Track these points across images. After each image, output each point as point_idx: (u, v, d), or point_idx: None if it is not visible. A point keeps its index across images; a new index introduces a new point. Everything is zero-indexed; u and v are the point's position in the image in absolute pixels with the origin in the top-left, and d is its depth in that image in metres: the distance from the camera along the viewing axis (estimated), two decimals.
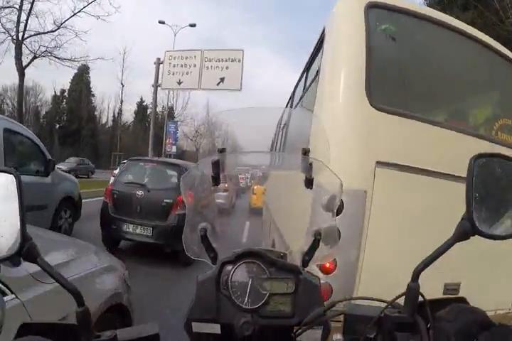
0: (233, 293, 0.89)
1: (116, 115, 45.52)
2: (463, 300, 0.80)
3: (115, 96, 43.45)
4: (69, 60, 22.03)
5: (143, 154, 23.55)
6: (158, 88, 16.96)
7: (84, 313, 0.73)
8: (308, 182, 1.01)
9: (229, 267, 0.91)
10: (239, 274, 0.91)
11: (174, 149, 26.27)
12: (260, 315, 0.88)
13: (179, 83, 15.87)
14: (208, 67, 15.38)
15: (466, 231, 0.71)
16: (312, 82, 2.80)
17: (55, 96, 41.49)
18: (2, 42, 20.25)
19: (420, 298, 0.75)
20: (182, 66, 15.82)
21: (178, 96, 41.61)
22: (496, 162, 0.75)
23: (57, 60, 21.72)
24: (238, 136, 1.29)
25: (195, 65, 15.58)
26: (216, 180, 1.02)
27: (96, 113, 44.22)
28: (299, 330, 0.85)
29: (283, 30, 77.08)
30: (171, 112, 40.02)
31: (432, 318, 0.73)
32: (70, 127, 40.73)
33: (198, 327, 0.87)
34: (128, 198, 6.39)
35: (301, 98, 3.50)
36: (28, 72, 21.13)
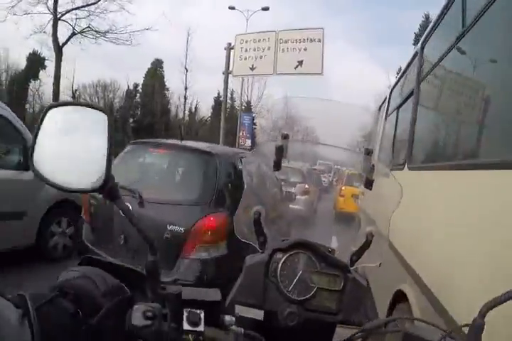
0: (281, 282, 0.91)
1: (193, 110, 45.57)
2: None
3: (191, 91, 43.93)
4: (108, 32, 21.43)
5: None
6: (230, 76, 15.77)
7: (155, 263, 0.72)
8: (368, 183, 1.01)
9: (280, 255, 0.93)
10: (289, 263, 0.92)
11: (249, 143, 24.67)
12: (305, 308, 0.90)
13: (252, 69, 14.54)
14: (283, 50, 13.84)
15: None
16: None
17: (127, 91, 41.94)
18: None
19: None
20: (255, 50, 14.45)
21: (253, 85, 40.32)
22: None
23: (97, 34, 21.32)
24: (314, 126, 1.64)
25: (269, 48, 14.11)
26: (278, 165, 1.03)
27: (170, 106, 44.19)
28: (356, 335, 0.81)
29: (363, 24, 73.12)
30: (247, 104, 39.32)
31: None
32: (144, 121, 41.22)
33: (241, 310, 0.87)
34: (107, 218, 3.44)
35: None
36: (97, 67, 21.31)
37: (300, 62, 13.40)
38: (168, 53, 65.64)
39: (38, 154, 0.66)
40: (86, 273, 0.69)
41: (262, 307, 0.90)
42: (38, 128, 0.67)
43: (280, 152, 1.03)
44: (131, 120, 42.58)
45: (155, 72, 41.54)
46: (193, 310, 0.71)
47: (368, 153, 1.03)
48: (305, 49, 13.48)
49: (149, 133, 40.23)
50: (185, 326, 0.69)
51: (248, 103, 39.77)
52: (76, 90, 40.14)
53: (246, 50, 14.70)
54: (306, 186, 1.38)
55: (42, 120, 0.68)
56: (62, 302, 0.62)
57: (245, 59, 14.74)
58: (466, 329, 0.67)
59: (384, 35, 66.46)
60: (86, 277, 0.68)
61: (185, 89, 39.79)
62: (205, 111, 45.23)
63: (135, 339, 0.65)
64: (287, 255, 0.93)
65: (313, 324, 0.90)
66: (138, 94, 43.03)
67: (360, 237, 1.02)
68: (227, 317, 0.78)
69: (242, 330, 0.79)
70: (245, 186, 1.08)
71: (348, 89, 61.64)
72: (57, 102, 0.74)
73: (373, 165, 1.01)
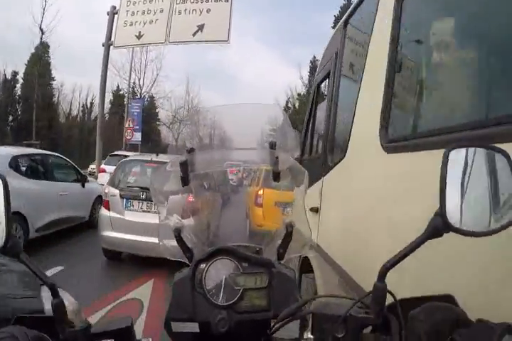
0: (208, 291, 0.92)
1: (87, 106, 41.71)
2: (450, 297, 0.76)
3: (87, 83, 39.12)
4: None
5: (115, 147, 19.22)
6: (112, 49, 12.41)
7: (59, 305, 0.75)
8: (276, 176, 1.05)
9: (203, 265, 0.94)
10: (212, 272, 0.93)
11: (138, 136, 20.49)
12: (236, 311, 0.91)
13: (138, 37, 11.41)
14: (180, 12, 10.94)
15: (438, 227, 0.67)
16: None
17: (4, 81, 36.04)
18: None
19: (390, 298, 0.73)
20: (144, 13, 11.37)
21: (146, 67, 36.48)
22: (471, 153, 0.69)
23: None
24: (226, 132, 1.36)
25: (161, 10, 11.13)
26: (185, 181, 1.04)
27: (55, 100, 39.28)
28: (274, 327, 0.85)
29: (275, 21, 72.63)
30: (134, 88, 35.05)
31: (406, 318, 0.71)
32: (25, 118, 35.57)
33: (177, 326, 0.91)
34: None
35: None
36: None
37: (200, 27, 10.51)
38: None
39: None
40: (11, 332, 0.69)
41: (195, 320, 0.91)
42: None
43: (185, 167, 1.04)
44: (10, 118, 36.70)
45: (39, 58, 35.81)
46: (104, 340, 0.74)
47: (272, 146, 1.05)
48: (208, 10, 10.66)
49: (31, 133, 34.99)
50: None
51: (133, 87, 35.39)
52: None
53: (133, 14, 11.60)
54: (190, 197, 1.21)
55: None
56: None
57: (131, 25, 11.66)
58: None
59: (295, 35, 66.07)
60: (11, 336, 0.68)
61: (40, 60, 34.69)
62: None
63: None
64: (209, 264, 0.94)
65: (246, 325, 0.91)
66: (18, 85, 37.25)
67: (282, 230, 1.04)
68: (144, 340, 0.84)
69: None
70: (157, 205, 1.13)
71: (260, 86, 61.55)
72: None
73: (277, 157, 1.03)
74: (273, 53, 78.73)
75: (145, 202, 5.74)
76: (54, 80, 38.30)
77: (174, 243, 1.05)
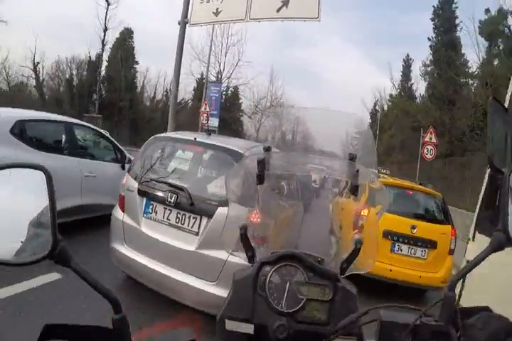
0: (270, 295, 0.92)
1: (168, 91, 40.69)
2: (487, 309, 0.81)
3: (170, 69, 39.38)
4: None
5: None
6: (188, 26, 11.23)
7: (122, 321, 0.70)
8: (354, 189, 1.03)
9: (267, 268, 0.94)
10: (277, 276, 0.93)
11: (215, 122, 19.70)
12: (295, 320, 0.90)
13: (216, 13, 10.03)
14: None
15: (500, 242, 0.75)
16: None
17: (89, 63, 37.02)
18: None
19: None
20: None
21: (227, 50, 35.50)
22: None
23: None
24: (307, 134, 1.34)
25: None
26: (261, 179, 1.05)
27: (136, 81, 39.65)
28: (331, 336, 0.85)
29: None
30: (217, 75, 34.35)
31: (462, 327, 0.74)
32: (108, 97, 36.42)
33: (231, 325, 0.90)
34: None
35: None
36: None
37: (285, 2, 8.92)
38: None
39: None
40: None
41: (252, 321, 0.90)
42: None
43: (262, 165, 1.04)
44: (94, 96, 37.73)
45: (124, 42, 36.46)
46: None
47: (352, 158, 1.03)
48: None
49: (113, 112, 35.78)
50: None
51: (219, 73, 34.98)
52: (38, 63, 35.94)
53: None
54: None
55: None
56: None
57: (208, 1, 10.39)
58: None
59: (382, 35, 62.50)
60: None
61: (105, 31, 34.44)
62: (185, 94, 40.19)
63: None
64: (275, 268, 0.94)
65: (304, 336, 0.90)
66: (102, 68, 38.05)
67: (349, 245, 1.02)
68: None
69: None
70: (230, 200, 1.14)
71: (345, 87, 59.68)
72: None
73: (357, 170, 1.01)
74: (359, 53, 76.19)
75: (175, 211, 3.51)
76: (137, 64, 39.01)
77: (237, 239, 1.03)
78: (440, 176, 18.12)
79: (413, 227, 5.42)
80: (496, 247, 0.75)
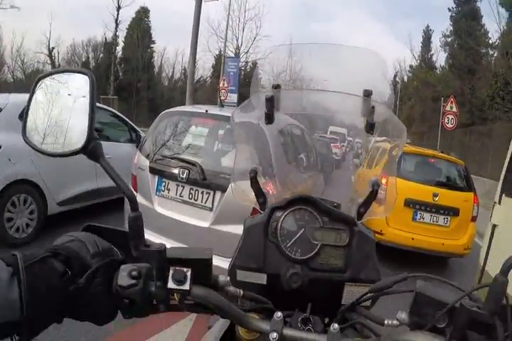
0: (282, 241, 0.87)
1: (187, 70, 40.87)
2: None
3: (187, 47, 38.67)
4: None
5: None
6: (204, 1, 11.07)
7: (136, 219, 0.69)
8: (370, 127, 0.98)
9: (279, 213, 0.89)
10: (289, 221, 0.89)
11: (234, 98, 19.06)
12: (310, 267, 0.86)
13: None
14: None
15: None
16: None
17: (106, 44, 36.83)
18: None
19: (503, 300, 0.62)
20: None
21: (245, 24, 34.82)
22: None
23: None
24: (316, 73, 1.29)
25: None
26: (270, 118, 1.00)
27: (153, 61, 39.35)
28: (365, 297, 0.79)
29: None
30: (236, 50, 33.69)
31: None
32: (126, 79, 36.38)
33: (242, 275, 0.86)
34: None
35: None
36: None
37: None
38: None
39: (29, 123, 0.72)
40: (78, 237, 0.69)
41: (264, 271, 0.85)
42: (30, 99, 0.72)
43: (271, 103, 0.97)
44: (111, 78, 37.78)
45: (140, 22, 36.09)
46: (179, 267, 0.66)
47: (368, 94, 0.96)
48: None
49: (131, 93, 35.79)
50: (170, 284, 0.65)
51: (237, 49, 34.37)
52: (53, 48, 36.04)
53: None
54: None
55: (33, 91, 0.73)
56: (53, 262, 0.63)
57: None
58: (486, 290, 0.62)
59: (402, 7, 60.40)
60: (78, 240, 0.68)
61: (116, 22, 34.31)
62: (203, 71, 39.85)
63: (122, 299, 0.66)
64: (287, 212, 0.88)
65: (319, 284, 0.85)
66: (118, 48, 37.95)
67: (366, 188, 0.97)
68: (222, 277, 0.74)
69: (241, 292, 0.77)
70: (236, 144, 1.06)
71: None
72: (44, 73, 0.76)
73: (373, 107, 0.95)
74: (379, 26, 74.12)
75: (187, 187, 3.38)
76: (154, 43, 38.53)
77: (247, 185, 0.99)
78: (461, 145, 17.95)
79: (435, 195, 5.34)
80: None
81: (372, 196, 0.97)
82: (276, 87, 1.01)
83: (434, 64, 33.15)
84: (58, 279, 0.61)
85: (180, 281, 0.65)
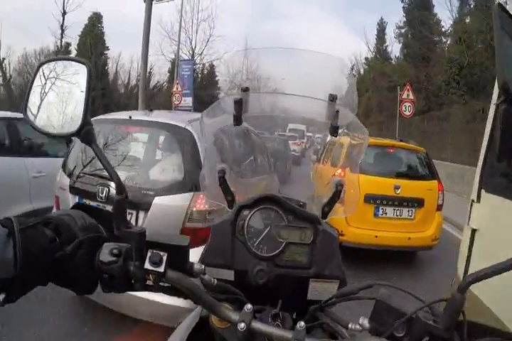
0: (249, 239, 0.90)
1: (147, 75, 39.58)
2: (497, 333, 0.72)
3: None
4: None
5: None
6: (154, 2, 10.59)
7: (121, 202, 0.74)
8: (334, 130, 1.00)
9: (246, 212, 0.92)
10: (256, 220, 0.91)
11: (189, 101, 18.40)
12: (276, 264, 0.89)
13: None
14: None
15: None
16: None
17: (57, 53, 35.29)
18: None
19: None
20: None
21: (198, 26, 33.60)
22: None
23: None
24: (284, 77, 1.27)
25: None
26: (238, 120, 1.01)
27: (108, 68, 37.75)
28: (330, 301, 0.84)
29: None
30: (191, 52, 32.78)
31: None
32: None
33: (211, 272, 0.84)
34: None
35: None
36: None
37: None
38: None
39: (30, 104, 0.76)
40: (69, 213, 0.74)
41: (232, 267, 0.88)
42: (32, 82, 0.77)
43: (239, 106, 0.99)
44: None
45: (93, 28, 34.78)
46: (156, 251, 0.70)
47: (333, 99, 0.99)
48: None
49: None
50: (147, 265, 0.69)
51: (190, 51, 33.37)
52: (4, 59, 34.57)
53: None
54: None
55: (35, 75, 0.78)
56: (44, 229, 0.67)
57: None
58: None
59: (355, 2, 60.77)
60: (67, 215, 0.73)
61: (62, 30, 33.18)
62: (159, 76, 38.74)
63: (102, 274, 0.70)
64: (253, 211, 0.91)
65: (285, 280, 0.88)
66: (71, 56, 36.44)
67: (330, 188, 1.00)
68: (197, 265, 0.76)
69: (215, 281, 0.79)
70: (205, 144, 1.08)
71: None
72: (46, 59, 0.81)
73: (337, 111, 0.98)
74: (335, 22, 74.45)
75: (108, 207, 2.89)
76: (108, 50, 37.09)
77: (216, 184, 1.01)
78: (420, 132, 18.03)
79: (397, 187, 4.97)
80: None
81: (336, 196, 0.98)
82: (245, 89, 1.01)
83: (389, 55, 33.32)
84: (48, 244, 0.66)
85: (155, 263, 0.68)
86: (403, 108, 13.30)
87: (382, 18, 33.79)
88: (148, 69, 38.68)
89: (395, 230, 4.97)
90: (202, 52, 34.63)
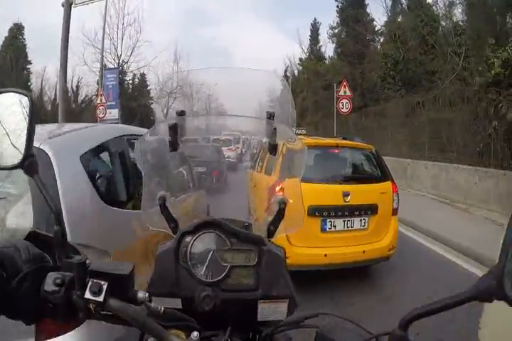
0: (193, 266, 0.88)
1: (73, 89, 36.30)
2: None
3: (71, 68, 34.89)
4: None
5: None
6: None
7: (60, 233, 0.75)
8: (272, 148, 1.00)
9: (188, 238, 0.91)
10: (199, 245, 0.90)
11: (115, 114, 16.85)
12: (222, 289, 0.87)
13: None
14: None
15: (489, 291, 0.54)
16: None
17: None
18: None
19: None
20: None
21: (124, 31, 31.18)
22: None
23: None
24: (219, 98, 1.28)
25: None
26: (174, 145, 1.00)
27: (31, 84, 35.00)
28: (277, 330, 0.85)
29: None
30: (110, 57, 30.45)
31: None
32: None
33: (158, 302, 0.84)
34: None
35: None
36: None
37: None
38: None
39: None
40: (14, 243, 0.74)
41: (178, 295, 0.87)
42: None
43: (174, 131, 0.98)
44: None
45: (14, 41, 32.11)
46: (97, 280, 0.71)
47: (270, 116, 0.98)
48: None
49: None
50: (87, 295, 0.70)
51: (116, 58, 31.06)
52: None
53: None
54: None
55: None
56: None
57: None
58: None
59: (288, 4, 61.14)
60: (13, 246, 0.73)
61: None
62: (88, 90, 36.38)
63: (46, 303, 0.71)
64: (196, 236, 0.90)
65: (233, 304, 0.87)
66: None
67: (273, 206, 0.98)
68: (140, 293, 0.75)
69: (162, 308, 0.78)
70: (143, 171, 1.03)
71: (257, 61, 59.16)
72: None
73: (275, 129, 0.97)
74: (270, 25, 74.76)
75: None
76: (31, 64, 34.40)
77: (158, 212, 0.98)
78: (359, 128, 17.90)
79: (346, 194, 4.18)
80: (481, 296, 0.54)
81: (281, 214, 0.97)
82: (181, 113, 1.00)
83: (323, 55, 33.54)
84: None
85: (95, 293, 0.69)
86: (340, 105, 13.32)
87: (315, 19, 34.14)
88: (75, 83, 36.53)
89: (347, 244, 4.22)
90: (128, 60, 32.65)
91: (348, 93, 13.49)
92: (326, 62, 32.21)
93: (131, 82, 35.43)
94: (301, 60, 35.18)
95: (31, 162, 0.74)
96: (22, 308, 0.70)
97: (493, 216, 7.95)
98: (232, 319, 0.86)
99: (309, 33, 34.42)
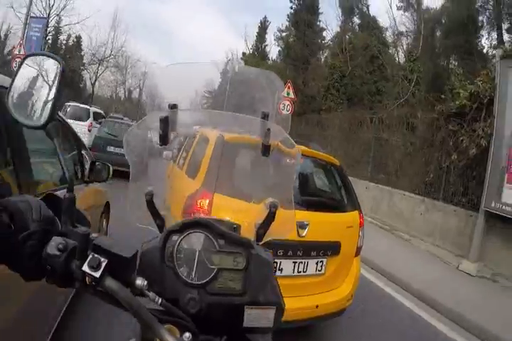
0: (178, 266, 0.83)
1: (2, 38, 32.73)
2: None
3: None
4: None
5: None
6: None
7: (70, 200, 0.75)
8: (265, 149, 0.97)
9: (175, 237, 0.86)
10: (185, 245, 0.85)
11: None
12: (208, 292, 0.83)
13: None
14: None
15: None
16: None
17: None
18: None
19: None
20: None
21: None
22: None
23: None
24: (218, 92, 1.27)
25: None
26: (164, 140, 0.95)
27: None
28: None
29: None
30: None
31: None
32: None
33: (142, 300, 0.80)
34: None
35: None
36: None
37: None
38: None
39: (12, 94, 0.79)
40: (27, 198, 0.73)
41: (162, 296, 0.79)
42: (16, 73, 0.80)
43: (166, 124, 0.93)
44: None
45: None
46: (97, 255, 0.70)
47: (264, 116, 0.94)
48: None
49: None
50: (84, 267, 0.69)
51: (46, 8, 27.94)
52: None
53: None
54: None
55: (19, 66, 0.81)
56: (1, 214, 0.69)
57: None
58: None
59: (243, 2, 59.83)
60: (27, 202, 0.72)
61: None
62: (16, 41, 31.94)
63: (45, 265, 0.70)
64: (183, 236, 0.84)
65: (218, 308, 0.82)
66: None
67: (263, 209, 0.95)
68: (139, 280, 0.74)
69: (160, 300, 0.76)
70: (130, 165, 0.99)
71: (200, 49, 57.20)
72: (31, 52, 0.84)
73: (269, 129, 0.93)
74: (217, 16, 73.20)
75: None
76: None
77: (144, 208, 0.94)
78: (297, 134, 16.86)
79: (302, 226, 2.84)
80: None
81: (271, 217, 0.94)
82: (173, 106, 0.95)
83: (267, 55, 33.00)
84: (3, 229, 0.69)
85: (93, 267, 0.68)
86: (281, 106, 12.14)
87: (265, 17, 33.63)
88: (4, 31, 32.07)
89: (296, 295, 2.91)
90: (60, 13, 29.00)
91: (292, 95, 12.51)
92: (270, 62, 31.63)
93: (65, 42, 32.10)
94: (244, 54, 34.32)
95: (53, 125, 0.77)
96: (23, 263, 0.70)
97: (440, 253, 7.27)
98: (217, 323, 0.82)
99: (257, 30, 33.70)
